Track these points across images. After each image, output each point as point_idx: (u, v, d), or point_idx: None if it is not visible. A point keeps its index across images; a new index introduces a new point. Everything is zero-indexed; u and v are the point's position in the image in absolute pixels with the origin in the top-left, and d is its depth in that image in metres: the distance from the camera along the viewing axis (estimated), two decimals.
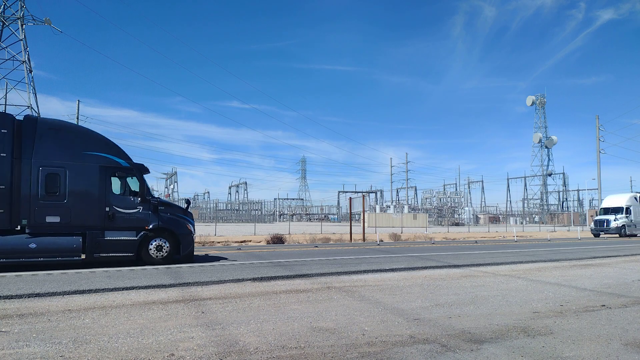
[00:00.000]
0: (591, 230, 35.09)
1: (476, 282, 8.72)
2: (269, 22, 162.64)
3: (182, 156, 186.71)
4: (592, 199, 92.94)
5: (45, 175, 10.10)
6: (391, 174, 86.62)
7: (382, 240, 25.46)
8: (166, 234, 11.29)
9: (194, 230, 12.26)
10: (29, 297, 6.62)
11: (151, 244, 11.05)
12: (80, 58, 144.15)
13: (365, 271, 10.11)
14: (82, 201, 10.45)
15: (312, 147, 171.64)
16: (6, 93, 49.22)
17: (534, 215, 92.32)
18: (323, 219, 77.69)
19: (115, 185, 10.97)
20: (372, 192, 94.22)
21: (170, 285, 7.82)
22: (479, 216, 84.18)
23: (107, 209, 10.66)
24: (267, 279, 8.77)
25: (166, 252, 11.19)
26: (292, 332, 4.75)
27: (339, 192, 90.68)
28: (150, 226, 11.03)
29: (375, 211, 67.85)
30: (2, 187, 9.76)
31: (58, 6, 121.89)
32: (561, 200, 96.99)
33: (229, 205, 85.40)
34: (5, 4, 49.53)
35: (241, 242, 24.14)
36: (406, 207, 73.21)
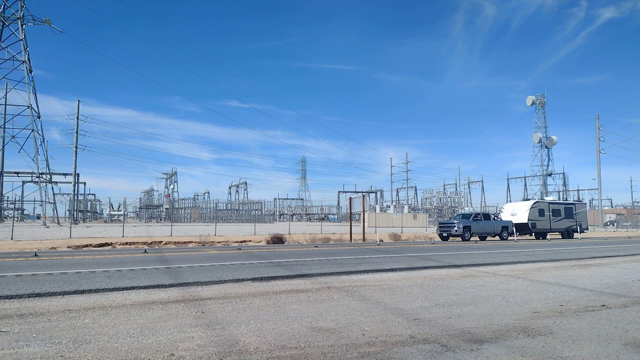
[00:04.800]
0: None
1: (476, 282, 8.72)
2: (268, 21, 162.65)
3: (182, 156, 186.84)
4: (592, 199, 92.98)
5: None
6: (391, 174, 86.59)
7: (382, 240, 25.46)
8: None
9: None
10: (29, 297, 6.62)
11: None
12: (80, 58, 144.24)
13: (365, 271, 10.11)
14: None
15: (312, 147, 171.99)
16: (6, 93, 49.26)
17: None
18: (323, 219, 77.72)
19: None
20: (372, 192, 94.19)
21: (170, 285, 7.82)
22: None
23: None
24: (267, 279, 8.77)
25: None
26: (292, 332, 4.75)
27: (338, 192, 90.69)
28: None
29: (375, 211, 67.82)
30: None
31: (58, 6, 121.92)
32: (561, 200, 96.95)
33: (229, 205, 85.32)
34: (5, 4, 49.52)
35: (241, 242, 24.15)
36: (406, 207, 73.18)
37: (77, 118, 48.72)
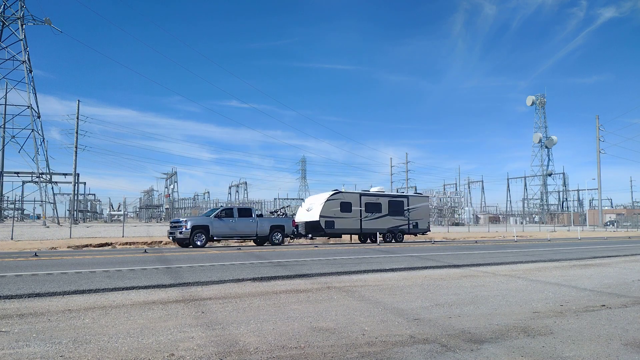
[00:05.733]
0: None
1: (476, 282, 8.72)
2: (268, 21, 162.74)
3: (182, 156, 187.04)
4: (592, 199, 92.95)
5: None
6: (391, 174, 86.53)
7: (382, 240, 25.45)
8: None
9: None
10: (29, 297, 6.62)
11: None
12: (80, 58, 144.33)
13: (365, 271, 10.11)
14: None
15: (312, 147, 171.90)
16: (6, 93, 49.32)
17: (534, 215, 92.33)
18: None
19: None
20: None
21: (170, 285, 7.82)
22: (479, 216, 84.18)
23: None
24: (267, 279, 8.77)
25: None
26: (292, 332, 4.75)
27: None
28: None
29: None
30: None
31: (58, 6, 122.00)
32: (561, 200, 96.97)
33: (229, 205, 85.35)
34: (5, 4, 49.54)
35: (241, 242, 24.13)
36: None
37: (77, 118, 48.71)
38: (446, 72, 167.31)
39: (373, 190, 27.68)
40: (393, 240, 25.42)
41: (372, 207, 25.19)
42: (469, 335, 4.66)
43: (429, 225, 27.96)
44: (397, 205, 26.30)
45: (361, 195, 25.44)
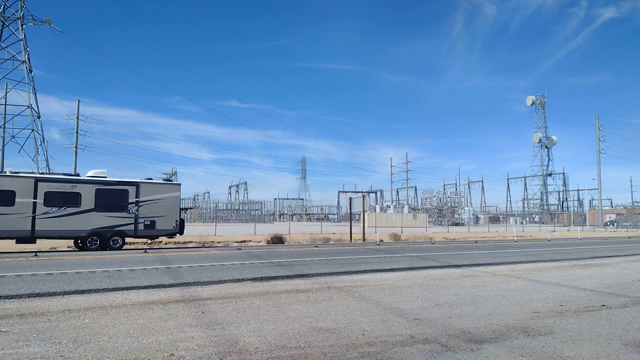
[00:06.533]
0: None
1: (476, 282, 8.72)
2: (268, 21, 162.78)
3: (182, 156, 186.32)
4: (592, 199, 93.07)
5: None
6: (391, 174, 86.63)
7: (382, 240, 25.47)
8: None
9: None
10: (29, 297, 6.62)
11: None
12: (80, 58, 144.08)
13: (365, 271, 10.11)
14: None
15: (312, 147, 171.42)
16: (6, 93, 49.26)
17: (534, 215, 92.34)
18: (323, 219, 77.72)
19: None
20: (372, 192, 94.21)
21: (170, 285, 7.82)
22: (479, 216, 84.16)
23: None
24: (267, 279, 8.77)
25: None
26: (292, 332, 4.75)
27: (338, 192, 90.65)
28: None
29: (375, 211, 67.82)
30: None
31: (58, 6, 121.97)
32: (561, 200, 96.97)
33: (229, 205, 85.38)
34: (5, 4, 49.54)
35: (241, 242, 24.14)
36: (406, 207, 73.15)
37: (77, 118, 48.74)
38: (446, 72, 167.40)
39: (91, 173, 18.77)
40: (105, 247, 17.53)
41: (61, 199, 17.13)
42: (469, 335, 4.66)
43: (177, 224, 19.29)
44: (113, 197, 18.23)
45: (38, 180, 16.93)
